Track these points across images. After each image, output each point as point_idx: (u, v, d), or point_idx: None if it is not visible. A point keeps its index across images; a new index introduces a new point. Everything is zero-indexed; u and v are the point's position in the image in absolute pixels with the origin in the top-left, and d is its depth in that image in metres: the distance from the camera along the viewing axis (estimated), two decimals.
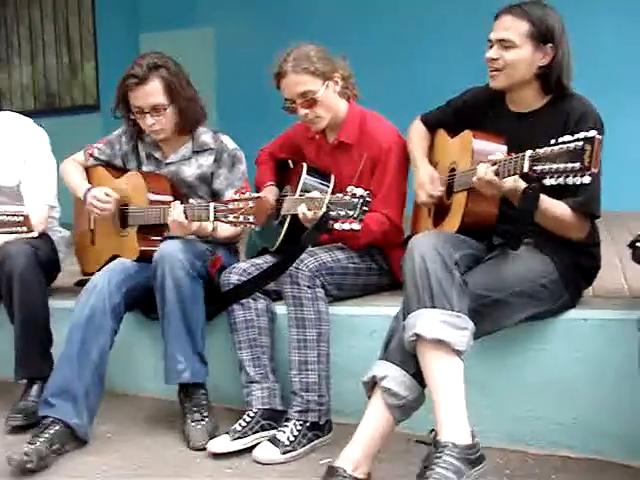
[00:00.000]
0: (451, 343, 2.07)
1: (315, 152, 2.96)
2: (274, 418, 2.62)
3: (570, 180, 1.94)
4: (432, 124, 2.79)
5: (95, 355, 2.65)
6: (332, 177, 2.84)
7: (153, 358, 2.94)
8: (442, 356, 2.09)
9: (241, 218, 2.51)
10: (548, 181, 2.01)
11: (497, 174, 2.18)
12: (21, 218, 2.70)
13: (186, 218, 2.67)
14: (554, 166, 1.96)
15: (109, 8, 7.03)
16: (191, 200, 2.76)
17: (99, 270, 2.84)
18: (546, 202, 2.26)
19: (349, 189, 2.38)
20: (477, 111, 2.59)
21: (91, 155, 3.18)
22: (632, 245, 2.21)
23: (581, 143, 1.90)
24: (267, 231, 2.99)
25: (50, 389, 2.62)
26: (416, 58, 5.66)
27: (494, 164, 2.20)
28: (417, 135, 2.80)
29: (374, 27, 5.81)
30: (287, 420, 2.56)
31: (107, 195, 2.97)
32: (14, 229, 2.71)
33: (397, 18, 5.79)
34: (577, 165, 1.90)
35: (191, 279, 2.70)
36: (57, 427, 2.55)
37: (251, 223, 2.51)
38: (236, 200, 2.53)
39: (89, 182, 3.13)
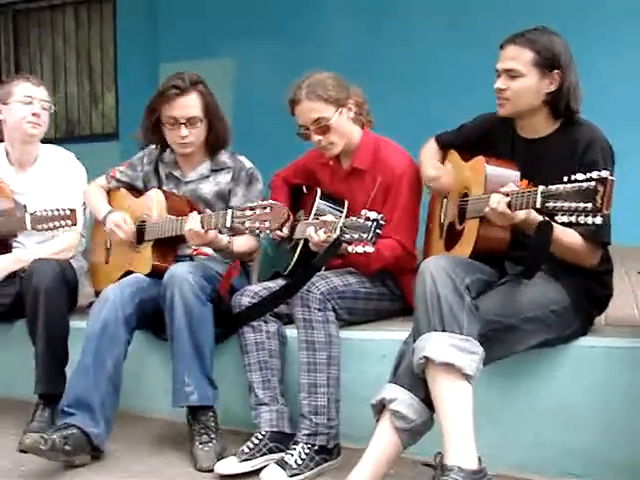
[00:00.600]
0: (460, 367, 2.07)
1: (329, 178, 2.99)
2: (282, 441, 2.62)
3: (582, 219, 1.96)
4: (445, 144, 2.82)
5: (110, 365, 2.68)
6: (346, 203, 2.87)
7: (163, 379, 2.95)
8: (451, 380, 2.09)
9: (257, 224, 2.54)
10: (560, 218, 2.03)
11: (509, 206, 2.20)
12: (67, 212, 2.90)
13: (202, 228, 2.70)
14: (566, 204, 1.98)
15: (130, 39, 7.16)
16: (208, 210, 2.81)
17: None
18: (557, 231, 2.26)
19: (363, 212, 2.40)
20: (488, 136, 2.62)
21: (113, 177, 3.25)
22: None
23: (593, 184, 1.92)
24: (280, 255, 3.01)
25: (67, 399, 2.64)
26: (430, 87, 5.74)
27: (507, 195, 2.21)
28: (429, 149, 2.84)
29: (390, 56, 5.88)
30: (295, 443, 2.55)
31: (125, 222, 3.02)
32: (59, 223, 2.91)
33: (411, 50, 5.87)
34: (589, 206, 1.92)
35: (200, 302, 2.72)
36: (74, 430, 2.56)
37: (267, 229, 2.54)
38: (253, 207, 2.57)
39: (111, 204, 3.19)
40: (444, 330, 2.11)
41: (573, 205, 1.94)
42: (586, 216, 1.93)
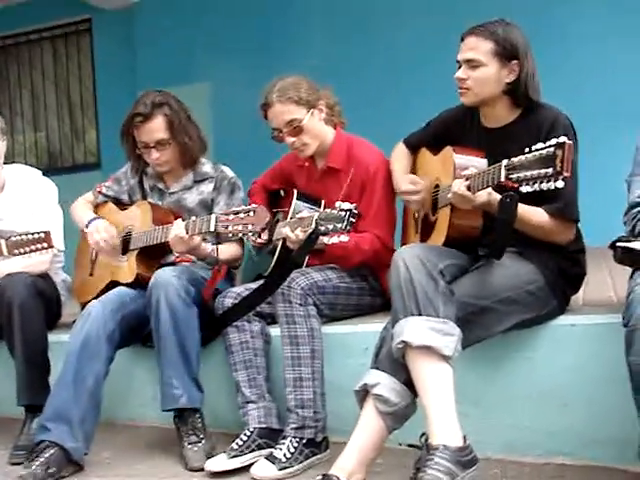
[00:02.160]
0: (438, 348, 2.10)
1: (305, 179, 3.04)
2: (271, 437, 2.64)
3: (545, 185, 2.00)
4: (413, 145, 2.87)
5: (90, 381, 2.68)
6: (322, 202, 2.91)
7: (151, 386, 2.97)
8: (430, 362, 2.12)
9: (241, 227, 2.58)
10: (524, 188, 2.06)
11: (469, 188, 2.25)
12: (42, 235, 2.83)
13: (187, 233, 2.74)
14: (529, 173, 2.03)
15: (108, 69, 7.26)
16: (192, 217, 2.84)
17: (95, 299, 2.89)
18: (525, 211, 2.32)
19: (337, 204, 2.45)
20: (454, 129, 2.68)
21: (100, 192, 3.29)
22: (612, 246, 2.25)
23: (552, 149, 1.98)
24: (261, 258, 3.05)
25: (46, 414, 2.65)
26: (408, 90, 5.88)
27: (467, 179, 2.27)
28: (398, 155, 2.89)
29: (364, 74, 6.07)
30: (284, 437, 2.58)
31: (106, 230, 3.05)
32: (35, 247, 2.82)
33: (392, 65, 6.06)
34: (550, 170, 1.97)
35: (185, 305, 2.75)
36: (52, 450, 2.57)
37: (251, 232, 2.58)
38: (237, 212, 2.61)
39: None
40: (420, 314, 2.15)
41: (535, 172, 2.00)
42: (548, 181, 1.98)
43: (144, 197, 3.20)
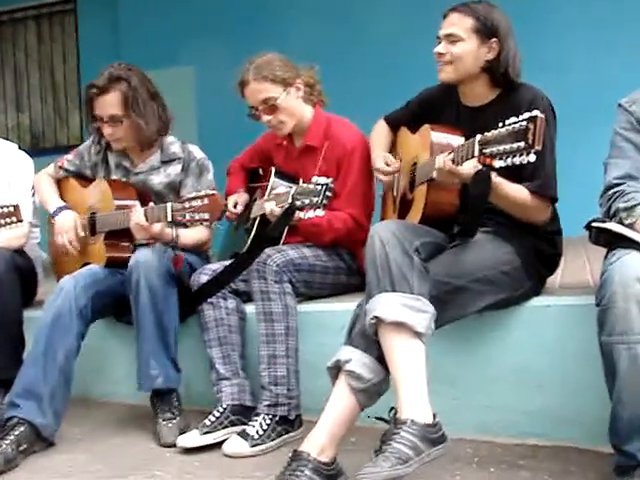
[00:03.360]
0: (411, 325, 2.09)
1: (283, 158, 3.03)
2: (244, 414, 2.63)
3: (517, 160, 2.00)
4: (394, 123, 2.87)
5: (61, 357, 2.65)
6: (300, 180, 2.89)
7: (125, 363, 2.95)
8: (403, 338, 2.11)
9: (196, 216, 2.56)
10: (497, 163, 2.06)
11: (453, 161, 2.24)
12: (11, 209, 2.80)
13: (147, 220, 2.72)
14: (502, 147, 2.02)
15: (93, 50, 7.18)
16: (151, 203, 2.80)
17: None
18: (504, 186, 2.32)
19: (314, 179, 2.45)
20: (434, 108, 2.67)
21: (61, 167, 3.23)
22: (588, 227, 2.24)
23: (525, 123, 1.97)
24: (238, 236, 3.04)
25: (15, 390, 2.63)
26: (387, 77, 5.92)
27: (450, 153, 2.26)
28: (377, 132, 2.88)
29: (348, 53, 6.11)
30: (257, 415, 2.57)
31: (74, 226, 3.01)
32: (4, 220, 2.80)
33: (377, 45, 6.07)
34: (522, 144, 1.97)
35: (165, 285, 2.73)
36: (22, 428, 2.55)
37: (206, 220, 2.56)
38: (191, 199, 2.58)
39: (61, 194, 3.20)
40: (394, 290, 2.14)
41: (507, 147, 1.99)
42: (520, 155, 1.97)
43: (108, 174, 3.13)
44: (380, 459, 1.94)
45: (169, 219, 2.64)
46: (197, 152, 3.10)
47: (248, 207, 3.02)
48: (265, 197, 2.81)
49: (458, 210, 2.46)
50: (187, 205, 2.58)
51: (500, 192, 2.30)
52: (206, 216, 2.55)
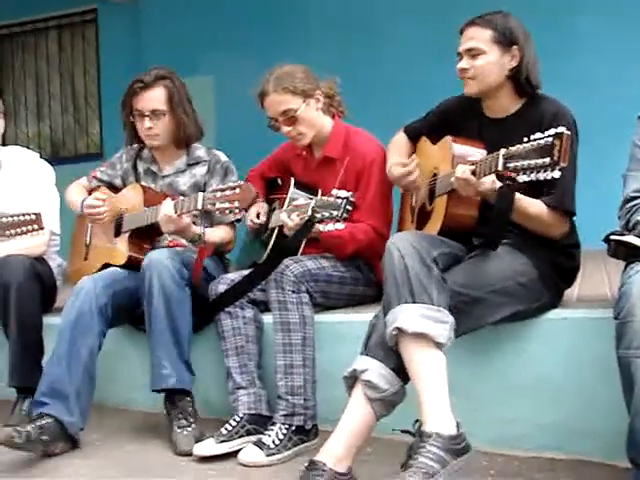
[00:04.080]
0: (432, 336, 2.10)
1: (302, 168, 3.04)
2: (260, 423, 2.64)
3: (541, 175, 2.00)
4: (413, 134, 2.87)
5: (84, 355, 2.69)
6: (319, 191, 2.90)
7: (141, 370, 2.96)
8: (424, 349, 2.12)
9: (227, 204, 2.59)
10: (521, 177, 2.06)
11: (474, 174, 2.25)
12: (33, 217, 2.84)
13: (176, 213, 2.75)
14: (526, 162, 2.02)
15: (113, 60, 7.27)
16: (180, 197, 2.85)
17: None
18: (523, 201, 2.33)
19: (334, 192, 2.46)
20: (455, 119, 2.67)
21: (94, 177, 3.30)
22: (607, 239, 2.24)
23: (550, 139, 1.98)
24: (257, 245, 3.05)
25: (41, 389, 2.65)
26: (403, 97, 5.88)
27: (472, 164, 2.27)
28: (396, 142, 2.89)
29: (367, 68, 6.13)
30: (273, 424, 2.58)
31: (97, 199, 3.07)
32: (26, 228, 2.84)
33: (393, 61, 6.10)
34: (547, 160, 1.97)
35: (178, 286, 2.75)
36: (49, 420, 2.58)
37: (237, 208, 2.59)
38: (223, 189, 2.62)
39: None
40: (414, 301, 2.14)
41: (533, 162, 1.99)
42: (545, 171, 1.97)
43: (137, 180, 3.20)
44: (407, 474, 1.95)
45: (199, 207, 2.67)
46: (222, 156, 3.17)
47: (267, 217, 3.03)
48: (284, 208, 2.82)
49: (477, 223, 2.46)
50: (218, 194, 2.62)
51: (519, 207, 2.30)
52: (237, 204, 2.58)
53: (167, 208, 2.78)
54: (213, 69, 6.71)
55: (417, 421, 2.11)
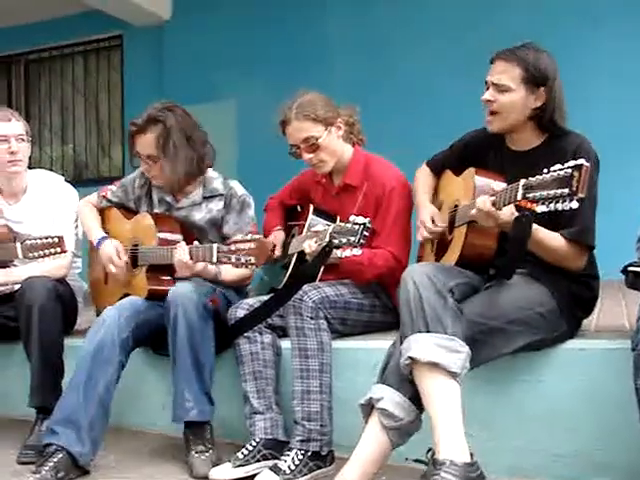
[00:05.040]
0: (445, 365, 2.11)
1: (322, 195, 3.07)
2: (276, 448, 2.65)
3: (560, 206, 2.02)
4: (437, 167, 2.89)
5: (101, 387, 2.70)
6: (338, 218, 2.93)
7: (160, 394, 2.99)
8: (438, 378, 2.13)
9: (242, 259, 2.59)
10: (540, 208, 2.08)
11: (494, 204, 2.27)
12: (56, 239, 2.92)
13: (191, 259, 2.77)
14: (545, 192, 2.04)
15: (137, 85, 7.38)
16: (196, 242, 2.85)
17: None
18: (541, 233, 2.34)
19: (351, 218, 2.47)
20: (478, 152, 2.68)
21: (104, 197, 3.32)
22: (624, 270, 2.25)
23: (570, 170, 1.99)
24: (276, 272, 3.07)
25: (55, 417, 2.68)
26: (425, 111, 6.02)
27: (492, 195, 2.28)
28: (421, 178, 2.91)
29: (388, 89, 6.20)
30: (289, 449, 2.58)
31: (118, 255, 3.08)
32: (49, 250, 2.91)
33: (408, 79, 6.16)
34: (566, 191, 1.99)
35: (203, 320, 2.77)
36: (60, 455, 2.60)
37: (252, 264, 2.59)
38: (238, 242, 2.62)
39: (103, 223, 3.27)
40: (428, 331, 2.16)
41: (552, 192, 2.01)
42: (563, 202, 1.99)
43: (151, 208, 3.20)
44: None
45: (214, 260, 2.68)
46: (239, 188, 3.15)
47: (286, 243, 3.06)
48: (303, 234, 2.84)
49: (495, 254, 2.48)
50: (233, 247, 2.62)
51: (537, 238, 2.32)
52: (252, 260, 2.58)
53: (182, 254, 2.78)
54: (235, 93, 6.78)
55: (430, 450, 2.12)
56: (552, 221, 2.36)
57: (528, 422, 2.53)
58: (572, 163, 2.00)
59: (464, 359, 2.15)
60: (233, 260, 2.62)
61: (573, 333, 2.54)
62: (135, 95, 7.35)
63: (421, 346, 2.14)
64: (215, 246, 2.69)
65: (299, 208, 3.19)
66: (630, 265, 2.24)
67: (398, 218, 2.87)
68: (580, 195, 1.97)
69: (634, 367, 2.04)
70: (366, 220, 2.43)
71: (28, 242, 2.95)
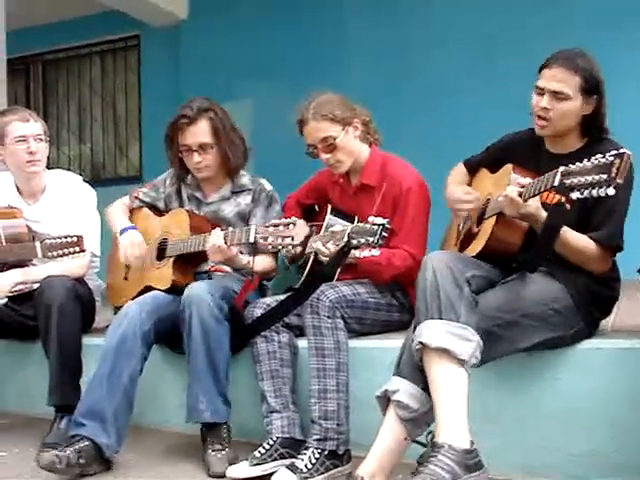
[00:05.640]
0: (454, 352, 2.13)
1: (339, 195, 3.08)
2: (293, 447, 2.66)
3: (595, 192, 2.03)
4: (473, 166, 2.90)
5: (125, 378, 2.73)
6: (355, 219, 2.94)
7: (178, 393, 3.01)
8: (445, 364, 2.15)
9: (280, 240, 2.61)
10: (575, 194, 2.09)
11: (520, 195, 2.29)
12: (75, 239, 2.95)
13: (225, 243, 2.79)
14: (582, 179, 2.06)
15: (154, 85, 7.43)
16: (230, 227, 2.88)
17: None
18: (569, 233, 2.36)
19: (370, 219, 2.47)
20: (516, 153, 2.67)
21: (136, 197, 3.36)
22: None
23: (612, 158, 2.01)
24: (293, 270, 3.09)
25: (80, 410, 2.70)
26: (443, 114, 5.98)
27: (522, 186, 2.31)
28: (455, 174, 2.93)
29: (406, 93, 6.18)
30: (306, 448, 2.59)
31: (139, 245, 3.13)
32: (68, 250, 2.94)
33: (426, 80, 6.15)
34: (605, 176, 2.00)
35: (217, 322, 2.79)
36: (86, 443, 2.63)
37: (290, 244, 2.61)
38: (276, 224, 2.64)
39: (132, 221, 3.31)
40: (441, 318, 2.19)
41: (589, 178, 2.03)
42: (600, 187, 2.00)
43: (181, 206, 3.25)
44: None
45: (251, 240, 2.69)
46: (266, 184, 3.21)
47: (304, 243, 3.06)
48: (321, 234, 2.85)
49: (519, 250, 2.48)
50: (271, 229, 2.64)
51: (563, 236, 2.33)
52: (288, 240, 2.60)
53: (217, 238, 2.81)
54: (251, 93, 6.80)
55: (430, 432, 2.15)
56: (580, 223, 2.38)
57: (543, 420, 2.52)
58: (614, 152, 2.01)
59: (474, 348, 2.16)
60: (270, 241, 2.63)
61: (591, 333, 2.54)
62: (152, 95, 7.41)
63: (432, 332, 2.16)
64: (253, 227, 2.72)
65: (317, 208, 3.20)
66: None
67: (416, 218, 2.87)
68: (618, 181, 1.98)
69: None
70: (385, 221, 2.43)
71: (47, 241, 2.98)
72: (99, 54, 8.01)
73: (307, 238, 2.69)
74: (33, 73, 8.29)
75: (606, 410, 2.44)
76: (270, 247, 2.67)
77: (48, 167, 3.46)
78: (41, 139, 3.31)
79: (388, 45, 6.40)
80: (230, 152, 3.11)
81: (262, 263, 3.03)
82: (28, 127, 3.27)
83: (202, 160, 3.09)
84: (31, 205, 3.40)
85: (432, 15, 6.27)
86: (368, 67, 6.39)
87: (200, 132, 3.05)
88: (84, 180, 3.55)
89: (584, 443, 2.46)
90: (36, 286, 3.13)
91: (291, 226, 2.61)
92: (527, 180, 2.32)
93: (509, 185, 2.41)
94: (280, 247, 2.65)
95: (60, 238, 2.97)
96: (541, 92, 2.52)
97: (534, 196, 2.26)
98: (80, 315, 3.08)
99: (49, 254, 2.99)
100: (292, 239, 2.60)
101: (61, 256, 2.99)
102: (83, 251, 2.95)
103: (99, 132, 8.04)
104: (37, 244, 3.01)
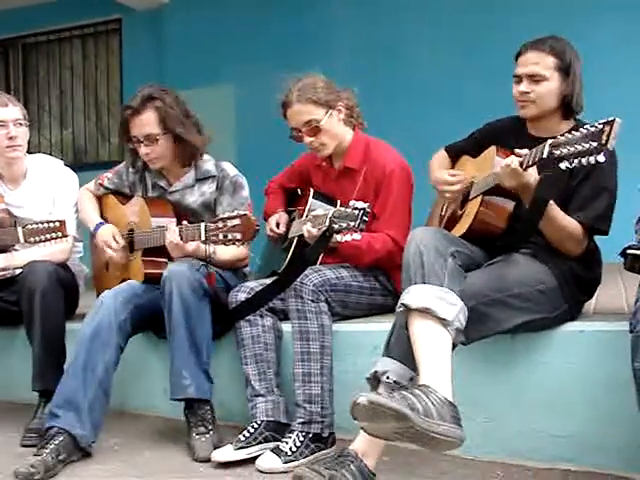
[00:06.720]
0: (437, 312, 2.12)
1: (322, 179, 3.07)
2: (278, 430, 2.67)
3: (585, 160, 2.04)
4: (455, 152, 2.91)
5: (100, 369, 2.71)
6: (338, 202, 2.94)
7: (162, 378, 3.00)
8: (429, 325, 2.13)
9: (229, 236, 2.59)
10: (563, 164, 2.10)
11: (521, 165, 2.30)
12: (57, 224, 2.92)
13: (182, 239, 2.77)
14: (572, 148, 2.07)
15: (136, 69, 7.33)
16: (185, 222, 2.84)
17: None
18: (555, 211, 2.37)
19: (351, 203, 2.47)
20: (499, 139, 2.68)
21: (101, 185, 3.33)
22: (623, 253, 2.26)
23: (601, 125, 2.02)
24: (276, 255, 3.09)
25: (55, 401, 2.69)
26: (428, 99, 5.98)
27: (520, 157, 2.32)
28: (437, 159, 2.93)
29: (390, 80, 6.17)
30: (290, 431, 2.61)
31: (114, 239, 3.10)
32: (50, 235, 2.91)
33: (414, 72, 6.14)
34: (595, 144, 2.01)
35: (198, 297, 2.78)
36: (62, 437, 2.61)
37: (238, 240, 2.58)
38: (225, 219, 2.61)
39: (101, 210, 3.30)
40: (424, 283, 2.20)
41: (578, 147, 2.04)
42: (590, 154, 2.01)
43: (145, 193, 3.20)
44: (394, 394, 1.97)
45: (203, 238, 2.67)
46: (230, 169, 3.13)
47: (287, 227, 3.07)
48: (303, 218, 2.85)
49: (503, 233, 2.51)
50: (220, 225, 2.61)
51: (550, 214, 2.35)
52: (238, 236, 2.58)
53: (173, 235, 2.78)
54: (234, 78, 6.76)
55: (412, 379, 2.17)
56: (565, 202, 2.41)
57: (526, 403, 2.54)
58: (603, 120, 2.02)
59: (457, 311, 2.15)
60: (220, 237, 2.61)
61: (574, 315, 2.56)
62: (134, 79, 7.30)
63: (414, 294, 2.17)
64: (203, 225, 2.67)
65: (299, 192, 3.20)
66: (629, 248, 2.25)
67: (398, 201, 2.88)
68: (608, 147, 1.99)
69: (632, 349, 2.04)
70: (366, 205, 2.43)
71: (29, 227, 2.96)
72: (80, 37, 7.91)
73: (255, 232, 2.62)
74: (13, 57, 8.17)
75: (588, 392, 2.46)
76: (221, 243, 2.64)
77: (29, 152, 3.43)
78: (21, 124, 3.28)
79: (373, 28, 6.39)
80: (183, 140, 3.03)
81: (229, 251, 2.95)
82: (7, 112, 3.23)
83: (150, 152, 3.02)
84: (12, 190, 3.37)
85: None
86: (354, 50, 6.36)
87: (145, 123, 2.97)
88: (65, 164, 3.52)
89: (567, 425, 2.48)
90: (18, 271, 3.11)
91: (238, 220, 2.57)
92: (525, 151, 2.33)
93: (493, 167, 2.42)
94: (231, 243, 2.61)
95: (42, 223, 2.94)
96: (519, 80, 2.56)
97: (531, 166, 2.28)
98: (63, 300, 3.07)
99: (31, 239, 2.97)
100: (241, 234, 2.57)
101: (43, 241, 2.96)
102: (65, 236, 2.94)
103: (80, 117, 7.95)
104: (19, 229, 2.98)
